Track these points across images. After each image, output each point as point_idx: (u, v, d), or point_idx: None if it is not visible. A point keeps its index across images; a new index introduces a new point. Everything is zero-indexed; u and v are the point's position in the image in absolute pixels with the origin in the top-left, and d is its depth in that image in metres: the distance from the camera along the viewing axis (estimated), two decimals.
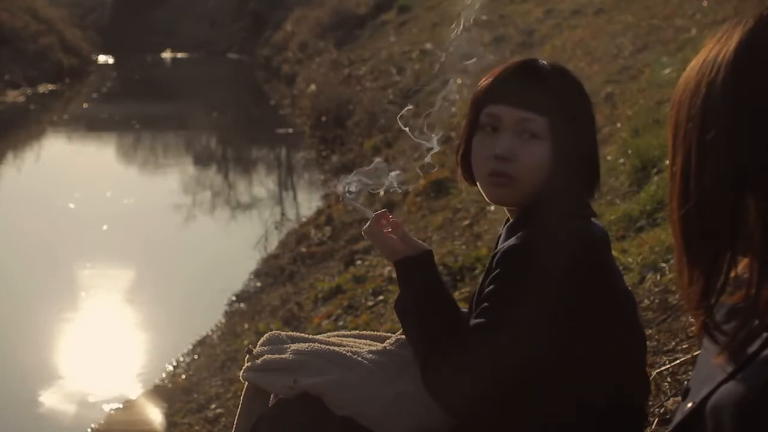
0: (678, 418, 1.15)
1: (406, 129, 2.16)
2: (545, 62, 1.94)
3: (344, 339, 2.11)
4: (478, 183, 1.96)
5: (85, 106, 19.27)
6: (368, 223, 2.01)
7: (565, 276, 1.76)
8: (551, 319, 1.76)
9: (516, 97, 1.88)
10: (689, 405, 1.12)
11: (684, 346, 3.03)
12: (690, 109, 1.09)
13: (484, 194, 1.96)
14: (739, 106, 1.04)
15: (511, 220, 1.96)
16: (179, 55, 28.60)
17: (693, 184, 1.08)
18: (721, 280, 1.09)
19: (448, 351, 1.83)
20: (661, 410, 2.70)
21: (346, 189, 2.11)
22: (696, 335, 1.12)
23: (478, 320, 1.81)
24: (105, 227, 9.34)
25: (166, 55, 28.53)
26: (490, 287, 1.81)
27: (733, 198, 1.05)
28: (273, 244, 8.34)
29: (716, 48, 1.09)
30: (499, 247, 1.90)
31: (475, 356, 1.79)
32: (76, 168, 13.22)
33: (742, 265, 1.10)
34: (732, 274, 1.09)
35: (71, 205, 10.29)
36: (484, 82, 1.95)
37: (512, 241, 1.83)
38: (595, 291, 1.80)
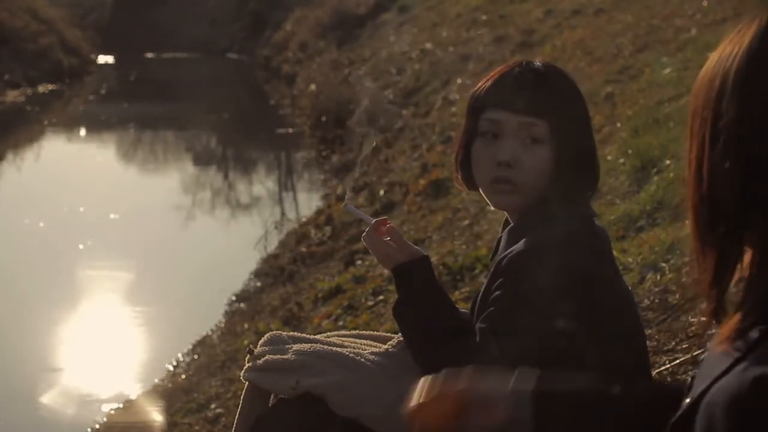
0: (676, 414, 1.16)
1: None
2: (540, 64, 1.93)
3: (345, 339, 2.12)
4: (481, 190, 1.95)
5: (85, 106, 19.27)
6: (367, 230, 2.01)
7: (570, 280, 1.76)
8: (556, 323, 1.76)
9: (516, 102, 1.88)
10: (687, 401, 1.13)
11: (684, 346, 3.03)
12: (706, 98, 1.12)
13: (487, 200, 1.96)
14: (750, 96, 1.07)
15: (512, 223, 1.96)
16: (179, 55, 28.59)
17: (705, 172, 1.10)
18: (730, 269, 1.10)
19: (452, 355, 1.84)
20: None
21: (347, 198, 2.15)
22: (704, 326, 1.14)
23: (484, 325, 1.81)
24: (105, 226, 9.34)
25: (166, 55, 28.52)
26: (497, 293, 1.81)
27: (741, 187, 1.07)
28: (273, 244, 8.34)
29: (734, 41, 1.12)
30: (501, 251, 1.90)
31: (480, 360, 1.79)
32: (77, 167, 13.22)
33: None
34: (740, 264, 1.10)
35: (64, 209, 10.29)
36: (482, 87, 1.94)
37: (517, 246, 1.83)
38: (599, 293, 1.80)
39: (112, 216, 9.71)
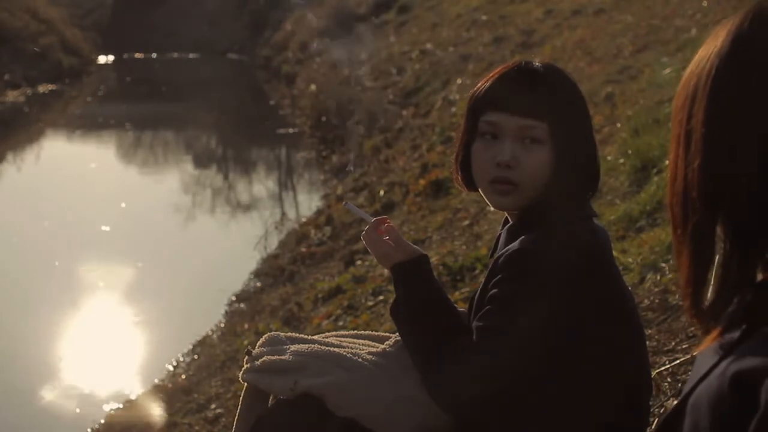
0: (664, 415, 1.17)
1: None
2: (539, 64, 1.92)
3: (343, 339, 2.12)
4: (480, 190, 1.95)
5: (84, 106, 19.26)
6: (366, 229, 2.01)
7: (568, 279, 1.76)
8: (554, 322, 1.76)
9: (515, 104, 1.87)
10: (672, 401, 1.15)
11: (684, 346, 3.03)
12: (682, 101, 1.15)
13: (487, 201, 1.95)
14: (717, 97, 1.10)
15: (511, 222, 1.96)
16: (179, 55, 28.59)
17: (679, 171, 1.13)
18: (704, 265, 1.12)
19: (450, 354, 1.84)
20: (661, 410, 2.70)
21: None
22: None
23: (481, 323, 1.81)
24: (105, 228, 9.34)
25: (167, 55, 28.53)
26: (494, 291, 1.81)
27: (708, 183, 1.09)
28: (273, 244, 8.34)
29: (711, 43, 1.15)
30: (500, 250, 1.90)
31: (478, 359, 1.79)
32: (77, 167, 13.21)
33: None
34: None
35: (65, 209, 10.29)
36: (481, 88, 1.94)
37: (515, 244, 1.82)
38: (597, 293, 1.80)
39: (108, 222, 9.71)
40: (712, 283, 1.11)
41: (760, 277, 1.09)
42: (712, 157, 1.09)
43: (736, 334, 1.08)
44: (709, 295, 1.11)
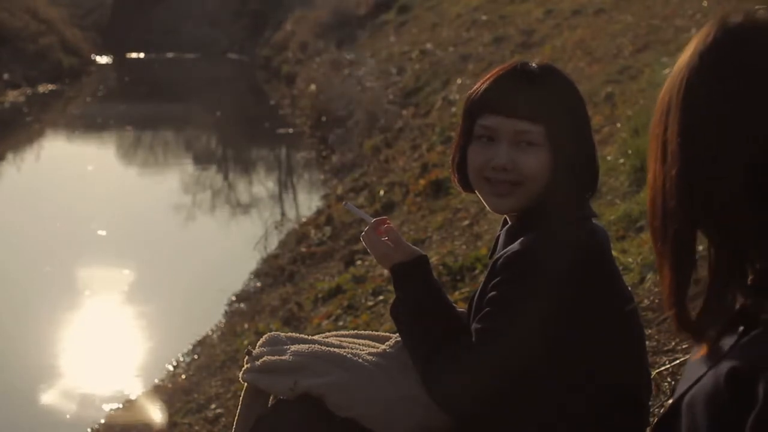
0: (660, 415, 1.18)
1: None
2: (536, 66, 1.91)
3: (343, 339, 2.12)
4: (477, 192, 1.95)
5: (84, 106, 19.26)
6: (366, 229, 2.01)
7: (567, 280, 1.76)
8: (554, 322, 1.76)
9: (511, 108, 1.87)
10: (670, 402, 1.16)
11: (684, 346, 3.03)
12: (659, 115, 1.18)
13: (484, 203, 1.95)
14: (688, 107, 1.13)
15: (510, 223, 1.96)
16: (179, 54, 28.57)
17: (658, 183, 1.15)
18: (686, 273, 1.14)
19: (450, 355, 1.84)
20: (661, 410, 2.70)
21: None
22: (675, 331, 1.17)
23: (480, 325, 1.81)
24: (106, 227, 9.34)
25: (167, 55, 28.52)
26: (493, 293, 1.81)
27: (685, 191, 1.11)
28: (273, 244, 8.34)
29: (683, 57, 1.19)
30: (499, 251, 1.90)
31: (477, 360, 1.79)
32: (78, 166, 13.22)
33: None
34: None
35: (65, 209, 10.28)
36: (477, 90, 1.93)
37: (514, 246, 1.82)
38: (597, 294, 1.80)
39: (108, 222, 9.71)
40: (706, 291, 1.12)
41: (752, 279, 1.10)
42: (688, 163, 1.11)
43: (732, 338, 1.09)
44: (701, 302, 1.12)
